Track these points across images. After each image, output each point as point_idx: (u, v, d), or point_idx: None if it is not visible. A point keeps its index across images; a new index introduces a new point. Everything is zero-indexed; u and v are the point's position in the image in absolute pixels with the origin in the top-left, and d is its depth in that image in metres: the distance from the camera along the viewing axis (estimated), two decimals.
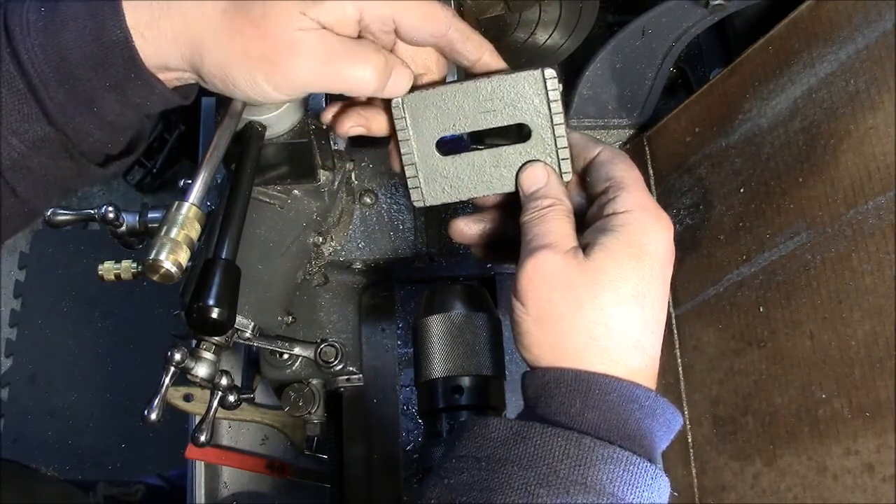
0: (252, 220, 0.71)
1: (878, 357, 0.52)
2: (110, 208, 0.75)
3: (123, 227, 0.76)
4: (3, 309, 2.06)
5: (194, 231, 0.55)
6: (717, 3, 0.70)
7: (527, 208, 0.57)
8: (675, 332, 0.73)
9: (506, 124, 0.59)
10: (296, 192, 0.74)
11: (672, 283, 0.55)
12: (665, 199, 0.76)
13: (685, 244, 0.72)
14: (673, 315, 0.74)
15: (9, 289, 2.08)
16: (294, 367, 0.84)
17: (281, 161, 0.70)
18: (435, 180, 0.61)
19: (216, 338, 0.65)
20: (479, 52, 0.58)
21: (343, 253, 0.83)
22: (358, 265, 0.84)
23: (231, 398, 0.67)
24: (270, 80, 0.51)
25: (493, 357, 0.72)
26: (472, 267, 0.89)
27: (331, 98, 0.61)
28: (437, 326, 0.72)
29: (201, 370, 0.64)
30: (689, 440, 0.70)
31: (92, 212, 0.76)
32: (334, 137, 0.75)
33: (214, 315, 0.54)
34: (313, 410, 0.85)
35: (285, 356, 0.82)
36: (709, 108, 0.72)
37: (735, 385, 0.65)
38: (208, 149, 0.59)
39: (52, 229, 1.87)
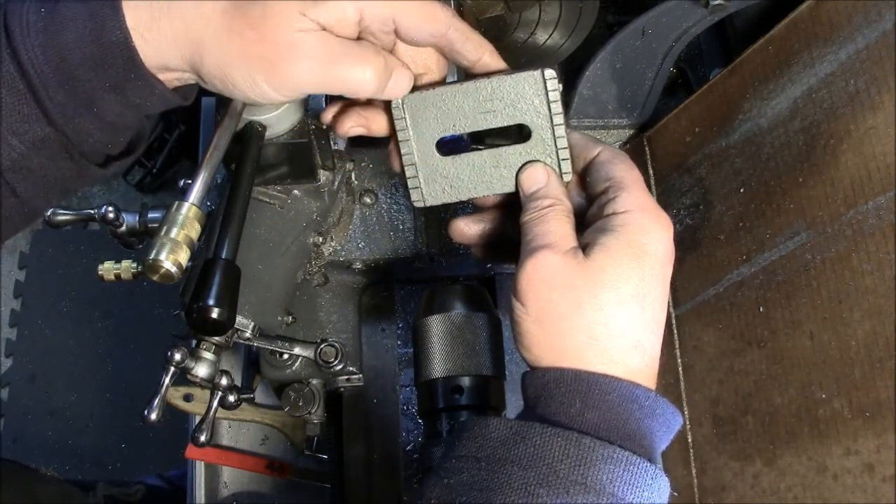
0: (252, 220, 0.71)
1: (878, 357, 0.52)
2: (110, 208, 0.75)
3: (123, 227, 0.76)
4: (3, 309, 2.06)
5: (194, 231, 0.55)
6: (717, 3, 0.70)
7: (527, 208, 0.57)
8: (675, 332, 0.73)
9: (506, 125, 0.59)
10: (296, 192, 0.74)
11: (672, 283, 0.55)
12: (665, 199, 0.76)
13: (685, 244, 0.72)
14: (673, 315, 0.74)
15: (9, 289, 2.08)
16: (294, 367, 0.84)
17: (281, 161, 0.70)
18: (435, 180, 0.61)
19: (216, 338, 0.65)
20: (479, 52, 0.58)
21: (343, 253, 0.83)
22: (358, 265, 0.84)
23: (231, 398, 0.67)
24: (270, 81, 0.51)
25: (493, 357, 0.72)
26: (472, 267, 0.89)
27: (331, 98, 0.61)
28: (437, 326, 0.72)
29: (201, 370, 0.64)
30: (689, 440, 0.70)
31: (92, 212, 0.76)
32: (334, 137, 0.75)
33: (214, 315, 0.54)
34: (313, 410, 0.85)
35: (285, 356, 0.82)
36: (709, 108, 0.72)
37: (735, 385, 0.65)
38: (208, 149, 0.59)
39: (52, 229, 1.87)
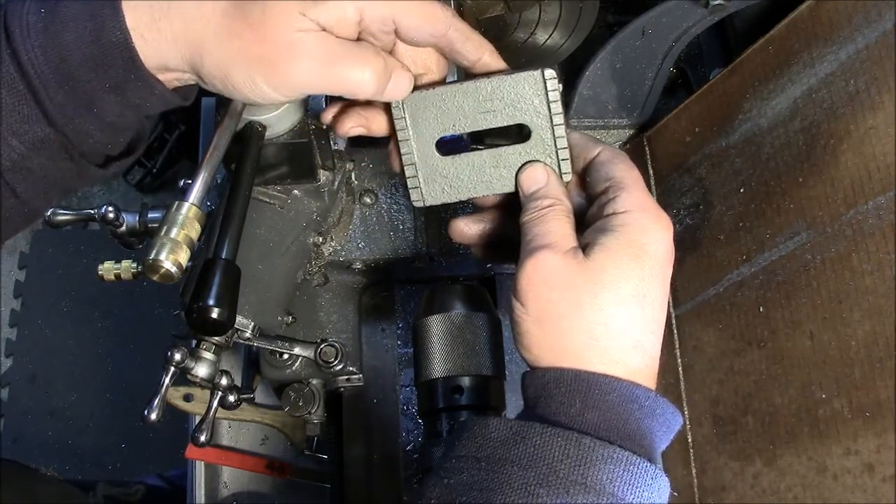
0: (252, 220, 0.71)
1: (878, 357, 0.52)
2: (110, 208, 0.75)
3: (123, 227, 0.76)
4: (3, 309, 2.06)
5: (194, 231, 0.55)
6: (717, 3, 0.70)
7: (527, 208, 0.57)
8: (675, 332, 0.73)
9: (506, 125, 0.59)
10: (296, 192, 0.74)
11: (672, 283, 0.55)
12: (665, 199, 0.76)
13: (685, 244, 0.72)
14: (673, 315, 0.74)
15: (9, 289, 2.08)
16: (294, 367, 0.84)
17: (281, 161, 0.70)
18: (435, 180, 0.61)
19: (216, 338, 0.65)
20: (479, 52, 0.58)
21: (343, 253, 0.83)
22: (358, 265, 0.84)
23: (231, 398, 0.67)
24: (270, 81, 0.51)
25: (493, 357, 0.72)
26: (472, 267, 0.89)
27: (331, 98, 0.61)
28: (437, 326, 0.72)
29: (201, 370, 0.64)
30: (689, 440, 0.70)
31: (92, 212, 0.76)
32: (334, 137, 0.75)
33: (214, 315, 0.54)
34: (313, 410, 0.85)
35: (285, 356, 0.82)
36: (709, 108, 0.72)
37: (735, 385, 0.65)
38: (208, 149, 0.59)
39: (52, 229, 1.87)
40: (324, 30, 0.51)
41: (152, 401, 0.62)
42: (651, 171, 0.80)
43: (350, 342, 0.85)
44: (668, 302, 0.72)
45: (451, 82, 0.59)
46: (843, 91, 0.57)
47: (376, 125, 0.61)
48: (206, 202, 0.57)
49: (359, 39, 0.54)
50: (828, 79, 0.59)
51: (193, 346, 0.65)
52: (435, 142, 0.60)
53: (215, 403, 0.67)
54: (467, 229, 0.64)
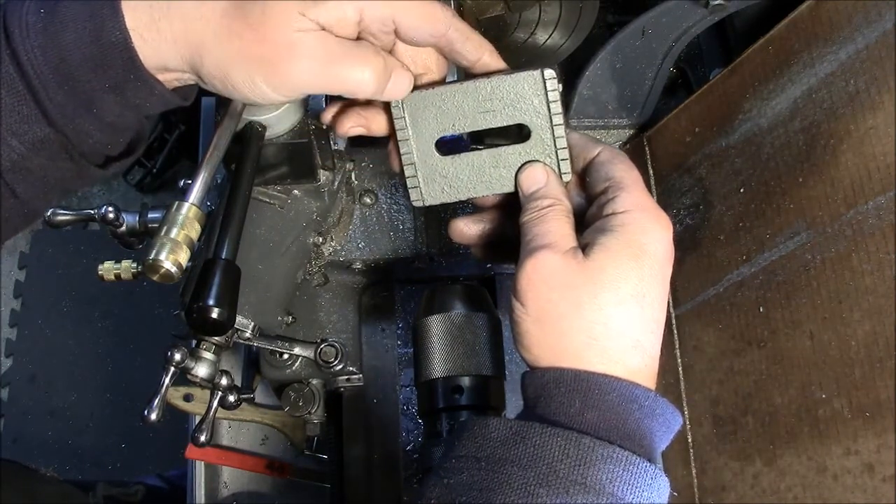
0: (252, 220, 0.71)
1: (878, 357, 0.52)
2: (110, 208, 0.75)
3: (123, 227, 0.76)
4: (3, 309, 2.06)
5: (194, 231, 0.55)
6: (717, 3, 0.70)
7: (526, 208, 0.57)
8: (675, 332, 0.73)
9: (505, 124, 0.59)
10: (296, 192, 0.74)
11: (672, 283, 0.55)
12: (665, 199, 0.76)
13: (685, 244, 0.72)
14: (673, 315, 0.74)
15: (9, 289, 2.08)
16: (294, 367, 0.84)
17: (281, 161, 0.70)
18: (434, 180, 0.61)
19: (216, 338, 0.65)
20: (479, 52, 0.58)
21: (343, 253, 0.83)
22: (358, 265, 0.84)
23: (231, 398, 0.67)
24: (269, 82, 0.51)
25: (493, 357, 0.72)
26: (472, 267, 0.89)
27: (331, 98, 0.61)
28: (437, 326, 0.72)
29: (201, 370, 0.64)
30: (689, 440, 0.70)
31: (92, 212, 0.76)
32: (334, 137, 0.75)
33: (214, 315, 0.54)
34: (313, 410, 0.85)
35: (285, 356, 0.82)
36: (709, 108, 0.72)
37: (735, 385, 0.65)
38: (208, 149, 0.59)
39: (52, 229, 1.87)
40: (323, 30, 0.51)
41: (152, 401, 0.62)
42: (651, 171, 0.80)
43: (350, 342, 0.85)
44: (668, 302, 0.72)
45: (450, 82, 0.59)
46: (843, 91, 0.57)
47: (376, 125, 0.61)
48: (206, 202, 0.57)
49: (359, 39, 0.54)
50: (828, 79, 0.59)
51: (193, 346, 0.65)
52: (435, 142, 0.60)
53: (215, 403, 0.67)
54: (467, 229, 0.64)
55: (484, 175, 0.60)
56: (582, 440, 0.48)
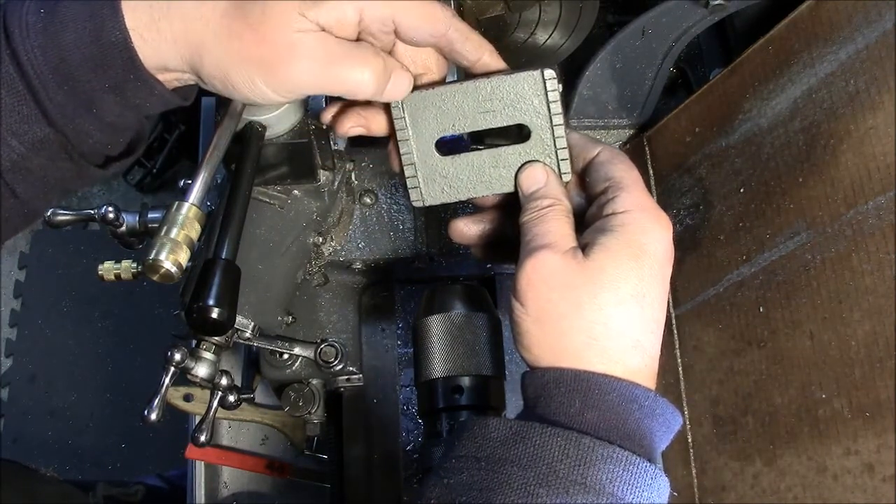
0: (252, 220, 0.71)
1: (878, 357, 0.52)
2: (110, 208, 0.75)
3: (123, 227, 0.76)
4: (3, 309, 2.06)
5: (194, 231, 0.55)
6: (717, 3, 0.70)
7: (526, 208, 0.57)
8: (675, 332, 0.73)
9: (505, 125, 0.59)
10: (296, 192, 0.74)
11: (672, 283, 0.55)
12: (665, 199, 0.76)
13: (685, 244, 0.72)
14: (673, 315, 0.74)
15: (9, 289, 2.08)
16: (294, 367, 0.84)
17: (281, 161, 0.70)
18: (434, 180, 0.61)
19: (216, 338, 0.65)
20: (479, 52, 0.58)
21: (343, 253, 0.83)
22: (358, 265, 0.84)
23: (231, 398, 0.67)
24: (269, 82, 0.51)
25: (493, 357, 0.72)
26: (472, 267, 0.89)
27: (331, 98, 0.61)
28: (437, 326, 0.72)
29: (201, 370, 0.64)
30: (689, 440, 0.70)
31: (92, 212, 0.76)
32: (334, 137, 0.75)
33: (214, 315, 0.54)
34: (313, 410, 0.85)
35: (285, 356, 0.82)
36: (709, 108, 0.72)
37: (735, 385, 0.65)
38: (208, 149, 0.59)
39: (52, 229, 1.87)
40: (323, 30, 0.51)
41: (152, 401, 0.62)
42: (651, 171, 0.80)
43: (350, 342, 0.85)
44: (668, 302, 0.72)
45: (450, 82, 0.59)
46: (843, 91, 0.57)
47: (376, 125, 0.61)
48: (206, 202, 0.57)
49: (358, 40, 0.54)
50: (828, 79, 0.59)
51: (193, 346, 0.65)
52: (434, 142, 0.60)
53: (215, 403, 0.67)
54: (467, 229, 0.64)
55: (484, 175, 0.60)
56: (582, 440, 0.48)
